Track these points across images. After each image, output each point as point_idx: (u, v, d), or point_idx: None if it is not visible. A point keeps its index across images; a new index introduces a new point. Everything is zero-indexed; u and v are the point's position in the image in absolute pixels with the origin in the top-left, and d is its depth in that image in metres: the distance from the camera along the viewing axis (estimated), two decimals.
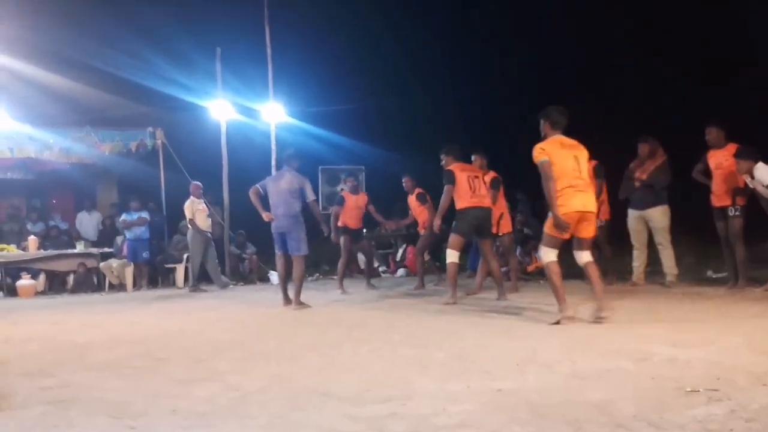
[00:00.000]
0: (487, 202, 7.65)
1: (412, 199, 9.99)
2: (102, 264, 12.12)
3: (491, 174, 8.52)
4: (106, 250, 12.46)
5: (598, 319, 5.46)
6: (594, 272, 5.62)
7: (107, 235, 13.18)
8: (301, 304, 7.71)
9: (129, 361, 4.76)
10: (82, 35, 12.65)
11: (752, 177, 7.13)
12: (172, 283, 12.34)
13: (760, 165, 7.04)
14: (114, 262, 12.12)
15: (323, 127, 15.16)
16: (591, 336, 4.94)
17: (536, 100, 18.33)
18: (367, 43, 18.30)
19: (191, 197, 11.34)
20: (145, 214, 12.19)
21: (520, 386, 3.51)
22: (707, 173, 7.82)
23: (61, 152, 12.67)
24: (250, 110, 12.98)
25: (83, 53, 12.43)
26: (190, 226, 11.25)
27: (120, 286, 12.05)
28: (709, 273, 9.04)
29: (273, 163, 12.45)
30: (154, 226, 12.71)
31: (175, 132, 13.36)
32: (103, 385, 3.98)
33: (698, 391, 3.25)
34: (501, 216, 8.55)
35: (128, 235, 12.05)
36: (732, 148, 7.55)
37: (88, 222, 13.52)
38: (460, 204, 7.51)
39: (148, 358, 4.85)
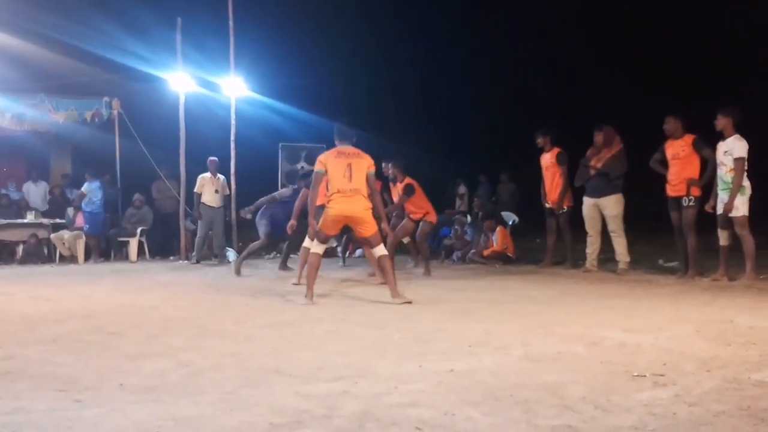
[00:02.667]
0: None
1: (400, 188, 9.37)
2: (53, 235, 11.86)
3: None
4: (58, 221, 12.19)
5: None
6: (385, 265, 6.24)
7: (58, 205, 12.87)
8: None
9: (79, 335, 4.68)
10: (38, 1, 12.23)
11: (723, 137, 7.24)
12: (125, 257, 12.13)
13: (739, 136, 7.15)
14: (65, 234, 11.87)
15: (285, 102, 14.99)
16: (544, 320, 5.02)
17: (506, 83, 18.59)
18: (331, 16, 18.15)
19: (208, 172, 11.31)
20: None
21: (473, 368, 3.55)
22: (665, 163, 7.95)
23: (14, 119, 12.34)
24: (210, 83, 12.75)
25: (38, 20, 12.04)
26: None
27: (71, 258, 11.82)
28: (661, 262, 9.24)
29: (233, 137, 12.27)
30: (108, 198, 12.46)
31: (133, 103, 13.09)
32: (52, 359, 3.91)
33: (645, 375, 3.32)
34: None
35: (86, 207, 11.77)
36: (689, 138, 7.68)
37: (35, 192, 13.17)
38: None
39: (99, 333, 4.78)
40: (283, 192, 8.09)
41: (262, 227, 9.32)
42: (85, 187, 11.78)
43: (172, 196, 12.59)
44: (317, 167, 6.20)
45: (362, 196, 6.13)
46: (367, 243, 6.58)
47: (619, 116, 11.20)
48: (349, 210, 6.10)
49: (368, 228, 6.22)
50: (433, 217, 9.00)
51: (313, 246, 6.37)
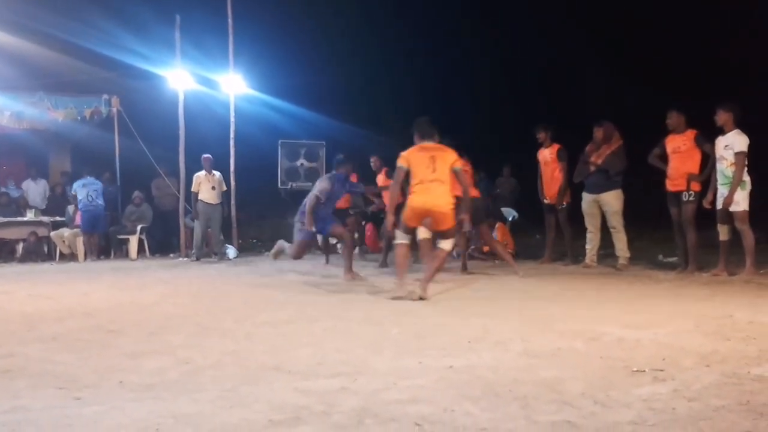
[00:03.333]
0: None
1: (381, 177, 9.95)
2: (53, 233, 11.87)
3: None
4: (58, 219, 12.19)
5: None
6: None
7: (58, 203, 12.86)
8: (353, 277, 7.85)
9: (79, 333, 4.68)
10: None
11: (723, 132, 7.24)
12: (125, 255, 12.13)
13: (740, 131, 7.16)
14: (65, 232, 11.87)
15: (284, 100, 14.99)
16: (543, 316, 5.02)
17: (505, 80, 18.57)
18: (331, 13, 18.12)
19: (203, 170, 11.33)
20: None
21: (472, 363, 3.55)
22: (664, 158, 7.94)
23: (12, 117, 12.34)
24: (209, 81, 12.74)
25: (37, 18, 12.02)
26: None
27: (71, 256, 11.82)
28: (660, 257, 9.24)
29: (232, 134, 12.27)
30: (108, 196, 12.47)
31: (132, 100, 13.09)
32: (52, 357, 3.91)
33: (644, 371, 3.32)
34: None
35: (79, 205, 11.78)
36: (691, 134, 7.67)
37: (34, 190, 13.17)
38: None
39: (98, 331, 4.78)
40: (323, 187, 7.61)
41: (300, 234, 8.01)
42: (74, 187, 11.82)
43: (171, 193, 12.59)
44: (400, 162, 6.07)
45: (446, 189, 5.98)
46: (441, 235, 6.19)
47: (618, 112, 11.16)
48: (429, 202, 5.94)
49: (447, 222, 6.03)
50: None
51: (397, 236, 6.20)
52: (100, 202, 11.82)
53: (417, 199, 5.97)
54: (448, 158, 6.06)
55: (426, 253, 6.53)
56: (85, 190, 11.75)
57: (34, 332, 4.76)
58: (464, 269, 8.59)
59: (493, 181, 13.76)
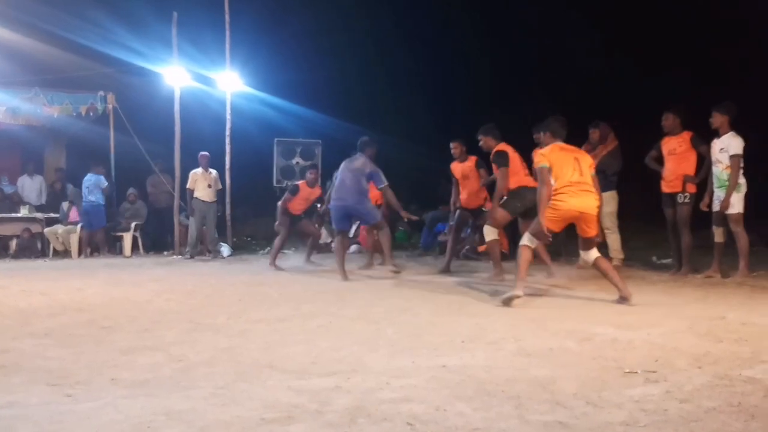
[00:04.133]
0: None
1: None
2: (47, 230, 11.83)
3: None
4: (52, 215, 12.16)
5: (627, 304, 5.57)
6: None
7: (55, 199, 12.82)
8: (394, 266, 7.98)
9: (72, 329, 4.67)
10: None
11: (718, 135, 7.26)
12: (119, 252, 12.10)
13: (735, 134, 7.17)
14: (59, 228, 11.84)
15: (281, 97, 14.96)
16: (537, 316, 5.03)
17: (499, 80, 18.58)
18: (327, 11, 18.09)
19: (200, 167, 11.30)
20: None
21: (465, 363, 3.56)
22: (660, 160, 7.96)
23: (8, 112, 12.30)
24: (205, 78, 12.71)
25: (33, 13, 11.97)
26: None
27: (65, 253, 11.78)
28: (654, 258, 9.25)
29: (228, 132, 12.25)
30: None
31: (128, 97, 13.04)
32: (45, 353, 3.91)
33: (636, 371, 3.34)
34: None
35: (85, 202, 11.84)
36: (687, 135, 7.68)
37: (30, 186, 13.13)
38: (514, 183, 7.44)
39: (92, 327, 4.78)
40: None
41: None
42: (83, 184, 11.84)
43: (166, 190, 12.56)
44: (540, 162, 5.74)
45: (594, 191, 5.75)
46: (587, 243, 5.87)
47: (614, 113, 11.18)
48: (583, 205, 5.65)
49: (595, 227, 5.79)
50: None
51: (525, 239, 5.83)
52: (93, 198, 11.72)
53: (569, 200, 5.64)
54: (588, 161, 5.88)
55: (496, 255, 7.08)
56: (84, 187, 11.78)
57: (27, 328, 4.75)
58: (446, 271, 8.48)
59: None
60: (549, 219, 5.64)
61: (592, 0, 16.94)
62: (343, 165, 8.20)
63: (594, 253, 5.83)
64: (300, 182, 10.02)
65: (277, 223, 9.62)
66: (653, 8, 16.13)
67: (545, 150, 5.89)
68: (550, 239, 5.91)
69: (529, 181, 7.26)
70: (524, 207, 7.27)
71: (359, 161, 8.08)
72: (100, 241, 11.93)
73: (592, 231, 5.77)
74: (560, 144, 5.94)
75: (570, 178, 5.66)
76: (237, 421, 2.65)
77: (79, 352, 3.92)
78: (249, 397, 2.97)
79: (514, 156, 7.57)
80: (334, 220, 8.23)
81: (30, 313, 5.42)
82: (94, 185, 11.75)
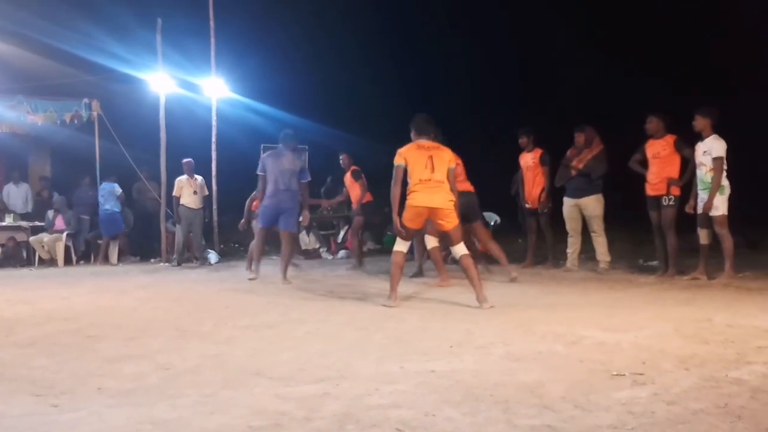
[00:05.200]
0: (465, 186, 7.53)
1: (347, 177, 10.02)
2: (32, 238, 11.74)
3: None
4: (37, 223, 12.06)
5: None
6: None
7: (41, 208, 12.70)
8: (287, 280, 7.91)
9: (57, 338, 4.63)
10: (15, 1, 12.06)
11: (702, 138, 7.31)
12: (106, 259, 12.01)
13: (717, 136, 7.22)
14: (45, 237, 11.74)
15: (267, 103, 14.94)
16: (525, 320, 5.04)
17: (484, 83, 18.67)
18: (312, 17, 18.11)
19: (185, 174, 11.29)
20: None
21: (454, 368, 3.55)
22: (644, 163, 8.01)
23: None
24: (191, 84, 12.67)
25: (16, 21, 11.88)
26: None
27: (50, 261, 11.69)
28: (641, 261, 9.30)
29: (213, 138, 12.21)
30: (87, 201, 12.36)
31: (113, 104, 12.95)
32: (29, 363, 3.87)
33: (624, 374, 3.34)
34: None
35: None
36: (670, 138, 7.74)
37: (15, 194, 13.00)
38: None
39: (77, 335, 4.74)
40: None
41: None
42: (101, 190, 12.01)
43: (152, 197, 12.49)
44: (397, 161, 5.91)
45: (446, 188, 5.86)
46: (448, 239, 6.10)
47: (599, 116, 11.25)
48: (431, 201, 5.81)
49: (450, 221, 5.89)
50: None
51: (397, 244, 6.01)
52: (108, 206, 11.84)
53: (418, 198, 5.83)
54: (445, 157, 5.95)
55: (438, 260, 6.82)
56: (100, 196, 12.01)
57: (11, 337, 4.70)
58: (419, 275, 8.37)
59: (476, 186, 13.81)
60: (405, 217, 5.86)
61: (576, 5, 17.06)
62: (270, 161, 8.07)
63: (461, 249, 5.89)
64: None
65: (243, 221, 9.60)
66: (640, 12, 16.26)
67: (403, 149, 6.01)
68: (404, 235, 5.96)
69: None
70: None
71: (289, 157, 7.98)
72: (123, 245, 12.03)
73: (448, 225, 5.89)
74: (420, 142, 6.03)
75: (420, 176, 5.81)
76: (224, 430, 2.63)
77: (64, 361, 3.88)
78: (236, 404, 2.95)
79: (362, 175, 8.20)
80: (266, 217, 8.09)
81: (14, 322, 5.36)
82: (109, 193, 11.89)
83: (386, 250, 11.91)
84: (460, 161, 7.46)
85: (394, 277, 5.91)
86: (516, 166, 9.60)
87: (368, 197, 9.86)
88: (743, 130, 9.87)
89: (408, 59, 19.35)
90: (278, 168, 7.98)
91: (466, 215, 7.15)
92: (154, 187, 12.40)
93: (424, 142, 6.04)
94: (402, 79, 19.36)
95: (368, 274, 8.94)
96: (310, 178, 8.30)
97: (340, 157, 10.17)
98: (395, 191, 5.86)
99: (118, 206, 11.94)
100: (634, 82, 15.86)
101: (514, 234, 12.14)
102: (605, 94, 16.00)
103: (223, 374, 3.52)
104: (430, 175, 5.81)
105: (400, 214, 5.94)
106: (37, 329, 5.00)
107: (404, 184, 5.93)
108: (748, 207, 8.76)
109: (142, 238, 12.75)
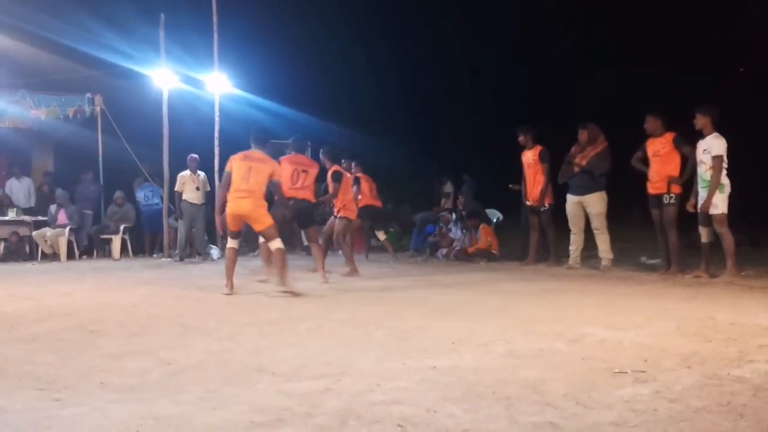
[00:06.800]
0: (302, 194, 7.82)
1: (329, 176, 9.85)
2: (35, 233, 11.74)
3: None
4: (40, 218, 12.07)
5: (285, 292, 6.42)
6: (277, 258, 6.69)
7: (45, 202, 12.70)
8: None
9: (60, 334, 4.63)
10: None
11: (703, 136, 7.30)
12: (108, 254, 12.04)
13: (718, 134, 7.21)
14: (47, 231, 11.75)
15: (270, 99, 14.92)
16: (526, 317, 5.04)
17: (486, 81, 18.67)
18: (315, 13, 18.09)
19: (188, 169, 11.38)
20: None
21: (455, 364, 3.56)
22: (645, 161, 8.00)
23: None
24: (194, 80, 12.65)
25: (19, 16, 11.86)
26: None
27: (53, 256, 11.70)
28: (643, 259, 9.29)
29: (216, 134, 12.21)
30: (90, 196, 12.36)
31: (116, 99, 12.96)
32: (32, 358, 3.87)
33: (626, 372, 3.34)
34: None
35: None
36: (669, 136, 7.74)
37: (18, 189, 13.00)
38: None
39: (80, 331, 4.74)
40: None
41: None
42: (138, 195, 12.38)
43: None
44: (227, 167, 6.78)
45: (254, 198, 6.60)
46: (264, 236, 6.93)
47: (601, 113, 11.24)
48: (240, 209, 6.62)
49: (260, 223, 6.68)
50: (350, 213, 8.84)
51: (228, 242, 6.88)
52: (156, 200, 12.22)
53: (230, 206, 6.66)
54: (265, 170, 6.69)
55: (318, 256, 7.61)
56: (143, 192, 12.38)
57: (14, 333, 4.71)
58: (353, 273, 8.58)
59: (479, 182, 13.82)
60: (227, 220, 6.73)
61: (578, 5, 17.04)
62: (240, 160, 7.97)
63: (276, 244, 6.63)
64: None
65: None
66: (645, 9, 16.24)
67: (233, 156, 6.85)
68: (221, 233, 7.14)
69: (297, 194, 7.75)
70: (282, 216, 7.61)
71: (259, 155, 7.57)
72: (171, 241, 12.18)
73: (259, 227, 6.73)
74: (248, 152, 6.84)
75: (236, 186, 6.63)
76: (226, 426, 2.64)
77: (67, 357, 3.88)
78: (238, 401, 2.96)
79: (345, 176, 8.68)
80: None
81: (17, 317, 5.37)
82: (154, 192, 12.26)
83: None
84: (365, 176, 8.85)
85: (228, 269, 6.78)
86: (519, 164, 9.60)
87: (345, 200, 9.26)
88: (748, 127, 9.84)
89: (411, 56, 19.34)
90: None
91: (301, 221, 8.02)
92: (156, 183, 12.41)
93: (253, 152, 6.83)
94: (405, 76, 19.36)
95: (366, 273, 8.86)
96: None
97: (320, 156, 9.91)
98: (220, 194, 6.88)
99: (161, 204, 12.14)
100: (641, 79, 15.84)
101: (517, 231, 12.15)
102: (607, 92, 16.00)
103: (226, 370, 3.52)
104: (245, 186, 6.60)
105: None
106: (40, 325, 5.00)
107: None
108: (750, 205, 8.76)
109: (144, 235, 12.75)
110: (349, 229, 9.05)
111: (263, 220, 6.69)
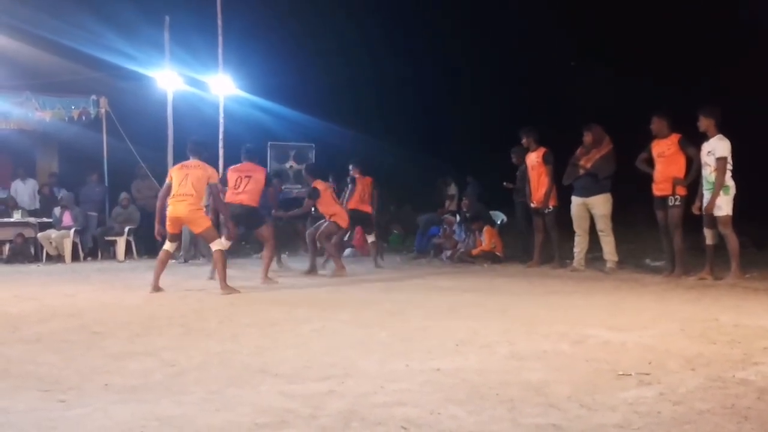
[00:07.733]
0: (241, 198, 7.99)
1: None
2: (40, 234, 11.77)
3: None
4: (45, 220, 12.09)
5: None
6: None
7: (47, 204, 12.73)
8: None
9: (63, 335, 4.64)
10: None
11: (707, 138, 7.28)
12: (113, 256, 12.05)
13: (722, 136, 7.20)
14: (52, 233, 11.78)
15: (274, 101, 14.94)
16: (530, 319, 5.03)
17: (490, 82, 18.66)
18: (319, 15, 18.11)
19: None
20: None
21: (459, 366, 3.55)
22: (651, 162, 7.98)
23: None
24: (198, 82, 12.67)
25: (24, 18, 11.90)
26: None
27: (58, 258, 11.72)
28: (648, 261, 9.27)
29: (221, 136, 12.23)
30: (95, 197, 12.38)
31: (120, 101, 12.98)
32: (35, 359, 3.88)
33: (630, 374, 3.33)
34: None
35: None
36: (675, 138, 7.72)
37: (23, 191, 13.03)
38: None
39: (83, 332, 4.75)
40: None
41: None
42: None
43: (152, 195, 12.47)
44: (168, 178, 7.29)
45: (190, 200, 7.00)
46: (202, 238, 7.59)
47: (606, 115, 11.21)
48: (177, 211, 7.02)
49: (197, 226, 7.16)
50: (340, 220, 9.01)
51: (165, 245, 7.29)
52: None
53: (168, 209, 7.09)
54: (202, 175, 7.11)
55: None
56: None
57: (17, 333, 4.72)
58: (311, 271, 8.95)
59: (483, 184, 13.80)
60: (167, 223, 7.14)
61: (583, 6, 17.04)
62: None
63: (215, 245, 7.17)
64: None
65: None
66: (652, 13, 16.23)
67: (173, 168, 7.52)
68: (160, 238, 7.39)
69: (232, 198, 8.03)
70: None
71: (195, 163, 7.55)
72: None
73: (197, 229, 7.23)
74: (185, 162, 7.32)
75: (175, 191, 7.06)
76: (229, 427, 2.63)
77: (70, 358, 3.89)
78: (241, 402, 2.96)
79: (325, 191, 8.97)
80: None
81: (21, 318, 5.38)
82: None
83: (392, 248, 11.97)
84: (324, 185, 8.93)
85: (156, 270, 7.22)
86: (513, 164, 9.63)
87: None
88: (753, 129, 9.81)
89: (415, 57, 19.34)
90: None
91: (246, 224, 8.29)
92: (151, 185, 12.37)
93: (189, 162, 7.27)
94: (408, 76, 19.35)
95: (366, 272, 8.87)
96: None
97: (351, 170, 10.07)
98: (159, 203, 7.28)
99: None
100: (644, 81, 15.81)
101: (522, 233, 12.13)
102: (612, 93, 15.97)
103: (229, 372, 3.52)
104: (182, 190, 7.04)
105: (163, 223, 7.19)
106: (43, 325, 5.01)
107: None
108: (755, 207, 8.73)
109: (150, 236, 12.74)
110: (337, 234, 9.15)
111: (200, 222, 7.14)
